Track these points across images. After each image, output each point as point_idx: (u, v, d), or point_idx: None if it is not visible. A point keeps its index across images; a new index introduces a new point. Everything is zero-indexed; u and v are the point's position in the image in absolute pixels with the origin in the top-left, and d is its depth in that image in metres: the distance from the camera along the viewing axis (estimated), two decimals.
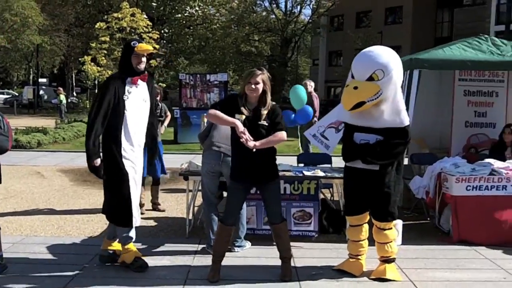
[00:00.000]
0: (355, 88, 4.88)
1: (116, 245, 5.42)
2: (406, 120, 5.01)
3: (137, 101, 5.14)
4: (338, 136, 6.21)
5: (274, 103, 5.05)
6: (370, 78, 4.86)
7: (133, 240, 5.30)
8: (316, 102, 11.68)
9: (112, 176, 5.10)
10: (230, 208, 5.12)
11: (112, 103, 4.98)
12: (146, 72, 5.21)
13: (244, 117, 4.90)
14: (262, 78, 4.96)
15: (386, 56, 4.95)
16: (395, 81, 4.94)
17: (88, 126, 5.02)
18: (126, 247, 5.26)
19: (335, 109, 6.94)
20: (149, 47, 5.28)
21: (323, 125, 6.71)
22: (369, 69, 4.88)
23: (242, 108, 4.92)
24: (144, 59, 5.16)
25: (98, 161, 5.02)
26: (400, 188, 5.42)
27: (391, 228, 5.22)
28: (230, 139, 5.08)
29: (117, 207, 5.13)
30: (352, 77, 5.06)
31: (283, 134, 4.94)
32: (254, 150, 4.75)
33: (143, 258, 5.34)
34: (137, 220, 5.21)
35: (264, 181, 5.05)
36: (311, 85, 12.03)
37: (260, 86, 4.95)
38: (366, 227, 5.36)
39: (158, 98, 7.70)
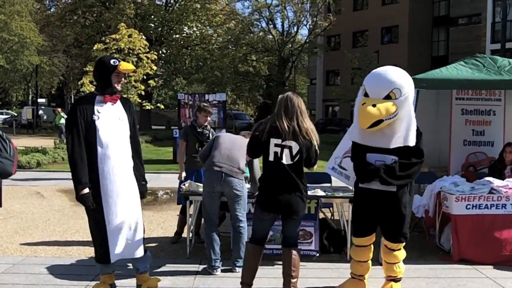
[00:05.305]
0: (374, 106, 4.83)
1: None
2: (413, 140, 4.96)
3: (111, 120, 4.80)
4: None
5: None
6: (387, 97, 4.84)
7: (110, 272, 5.02)
8: None
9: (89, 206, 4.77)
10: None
11: (83, 127, 4.70)
12: (119, 93, 4.92)
13: None
14: None
15: (401, 76, 4.96)
16: (410, 100, 4.95)
17: (69, 159, 4.78)
18: (100, 276, 5.06)
19: (345, 137, 6.90)
20: (132, 66, 5.10)
21: (338, 156, 6.64)
22: (387, 88, 4.86)
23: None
24: (123, 78, 4.99)
25: (85, 191, 4.66)
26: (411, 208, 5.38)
27: (400, 249, 5.20)
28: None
29: (93, 238, 4.91)
30: (366, 95, 5.00)
31: None
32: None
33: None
34: (116, 256, 4.81)
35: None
36: None
37: None
38: (372, 247, 5.35)
39: (208, 119, 7.28)
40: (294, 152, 4.83)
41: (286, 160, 4.83)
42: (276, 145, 4.84)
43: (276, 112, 4.93)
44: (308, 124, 4.90)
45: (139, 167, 5.06)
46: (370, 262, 5.37)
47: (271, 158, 4.87)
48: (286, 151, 4.83)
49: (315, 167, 5.06)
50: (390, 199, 5.02)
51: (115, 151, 4.77)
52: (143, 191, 5.05)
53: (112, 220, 4.75)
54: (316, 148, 4.92)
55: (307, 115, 4.94)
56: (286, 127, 4.80)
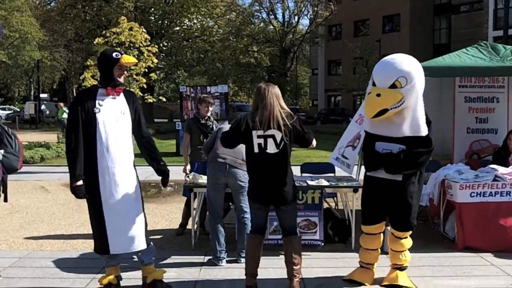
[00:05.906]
0: (378, 95, 4.83)
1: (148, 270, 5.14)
2: (425, 130, 4.97)
3: (112, 113, 4.77)
4: (355, 153, 6.15)
5: None
6: (393, 85, 4.83)
7: (115, 264, 5.04)
8: None
9: (87, 198, 4.82)
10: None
11: (83, 119, 4.69)
12: (121, 86, 4.91)
13: None
14: None
15: (409, 63, 4.93)
16: (418, 89, 4.92)
17: (66, 152, 4.82)
18: (106, 269, 5.07)
19: (349, 127, 6.93)
20: (134, 59, 5.06)
21: (342, 146, 6.66)
22: (392, 76, 4.85)
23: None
24: (125, 71, 4.99)
25: (78, 183, 4.69)
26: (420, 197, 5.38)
27: (407, 237, 5.21)
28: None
29: (93, 230, 4.91)
30: (374, 84, 5.01)
31: None
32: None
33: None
34: (116, 248, 4.81)
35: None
36: None
37: None
38: (381, 236, 5.36)
39: (210, 109, 7.20)
40: (278, 140, 4.79)
41: (271, 149, 4.80)
42: (258, 136, 4.81)
43: (252, 107, 4.97)
44: (278, 113, 4.78)
45: (155, 153, 5.03)
46: (379, 250, 5.38)
47: (256, 150, 4.84)
48: (270, 140, 4.80)
49: (314, 142, 5.03)
50: (396, 188, 5.02)
51: (115, 144, 4.76)
52: (165, 170, 5.01)
53: (110, 212, 4.75)
54: (299, 128, 4.86)
55: (280, 102, 4.83)
56: (259, 120, 4.78)
